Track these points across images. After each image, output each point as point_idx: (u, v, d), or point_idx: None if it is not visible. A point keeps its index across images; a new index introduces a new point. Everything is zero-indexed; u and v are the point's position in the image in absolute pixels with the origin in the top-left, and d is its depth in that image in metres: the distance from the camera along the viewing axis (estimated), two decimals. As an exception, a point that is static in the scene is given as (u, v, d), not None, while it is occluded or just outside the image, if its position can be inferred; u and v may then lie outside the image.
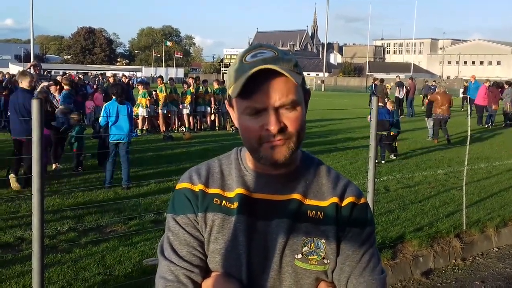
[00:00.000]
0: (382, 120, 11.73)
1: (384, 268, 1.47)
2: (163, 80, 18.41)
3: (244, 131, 1.37)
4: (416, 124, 20.86)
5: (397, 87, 26.06)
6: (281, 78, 1.30)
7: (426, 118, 17.37)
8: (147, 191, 8.69)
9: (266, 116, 1.32)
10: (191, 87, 18.18)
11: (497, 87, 22.50)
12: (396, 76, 29.08)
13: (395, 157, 12.86)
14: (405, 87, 26.09)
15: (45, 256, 4.22)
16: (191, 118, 18.33)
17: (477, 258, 6.61)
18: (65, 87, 12.62)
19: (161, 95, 17.51)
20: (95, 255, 5.65)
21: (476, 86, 23.87)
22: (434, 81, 37.04)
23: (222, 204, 1.43)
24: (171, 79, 20.46)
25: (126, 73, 41.21)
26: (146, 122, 17.55)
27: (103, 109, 9.25)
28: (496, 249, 6.91)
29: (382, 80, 26.63)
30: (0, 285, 4.87)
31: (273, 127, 1.32)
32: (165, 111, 17.54)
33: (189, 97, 17.95)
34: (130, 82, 22.27)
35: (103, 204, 7.68)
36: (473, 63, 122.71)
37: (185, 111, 17.99)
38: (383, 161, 12.14)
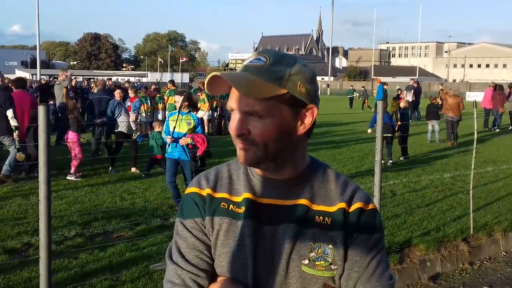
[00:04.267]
0: (385, 123, 11.78)
1: (393, 274, 1.46)
2: (173, 84, 18.40)
3: None
4: (422, 128, 20.78)
5: (405, 91, 26.03)
6: None
7: (427, 121, 17.49)
8: (153, 196, 8.69)
9: (234, 118, 1.37)
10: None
11: (501, 89, 22.41)
12: (411, 79, 29.06)
13: (403, 159, 12.89)
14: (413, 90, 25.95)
15: (52, 262, 4.22)
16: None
17: (485, 262, 6.57)
18: (132, 95, 12.75)
19: (171, 99, 17.42)
20: (102, 260, 5.65)
21: (380, 89, 24.44)
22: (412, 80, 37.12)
23: (229, 208, 1.44)
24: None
25: (132, 79, 41.29)
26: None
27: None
28: (504, 253, 6.87)
29: (385, 84, 26.79)
30: (7, 291, 4.89)
31: (232, 132, 1.37)
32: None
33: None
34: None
35: (110, 210, 7.69)
36: (479, 66, 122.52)
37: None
38: (390, 161, 12.25)
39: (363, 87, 40.52)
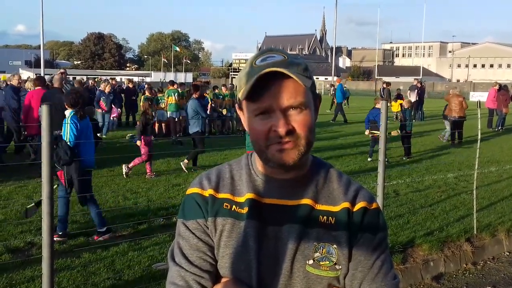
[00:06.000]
0: (376, 120, 11.98)
1: (397, 273, 1.46)
2: (173, 84, 18.39)
3: (253, 133, 1.38)
4: (425, 128, 20.77)
5: (409, 91, 26.03)
6: (290, 80, 1.31)
7: (443, 120, 17.58)
8: (156, 196, 8.70)
9: (274, 118, 1.33)
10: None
11: (505, 90, 22.37)
12: (414, 79, 29.09)
13: (408, 159, 12.92)
14: (417, 90, 25.87)
15: (54, 261, 4.23)
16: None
17: (488, 262, 6.56)
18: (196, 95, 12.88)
19: (170, 99, 17.42)
20: (105, 260, 5.66)
21: (339, 89, 24.69)
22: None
23: (232, 209, 1.43)
24: (182, 83, 20.38)
25: (135, 78, 41.36)
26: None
27: (70, 121, 6.51)
28: (507, 253, 6.85)
29: (388, 84, 27.05)
30: (10, 290, 4.89)
31: (281, 129, 1.32)
32: (174, 116, 17.46)
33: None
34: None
35: (113, 209, 7.70)
36: (483, 66, 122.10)
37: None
38: (369, 159, 12.51)
39: (332, 85, 40.50)
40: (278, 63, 1.33)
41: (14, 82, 12.52)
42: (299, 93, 1.33)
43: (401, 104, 16.58)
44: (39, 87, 11.24)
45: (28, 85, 12.34)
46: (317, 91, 1.46)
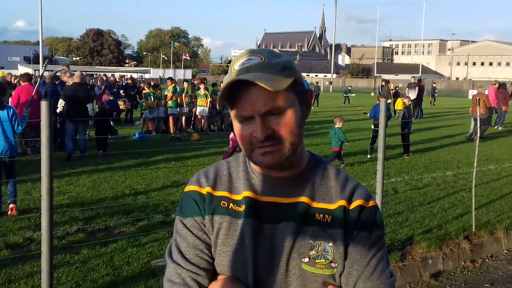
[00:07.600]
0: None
1: (394, 272, 1.46)
2: (172, 81, 18.37)
3: (238, 138, 1.39)
4: (424, 125, 20.78)
5: (408, 88, 26.03)
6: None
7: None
8: (155, 192, 8.70)
9: (254, 123, 1.33)
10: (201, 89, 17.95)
11: (504, 88, 22.39)
12: (412, 77, 29.11)
13: (407, 156, 12.94)
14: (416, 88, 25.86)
15: (54, 257, 4.23)
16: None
17: (487, 260, 6.57)
18: None
19: (170, 96, 17.40)
20: (104, 256, 5.66)
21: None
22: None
23: (229, 207, 1.43)
24: (185, 80, 20.34)
25: (134, 75, 41.31)
26: (150, 124, 17.57)
27: None
28: (506, 251, 6.86)
29: (387, 82, 27.08)
30: (9, 286, 4.89)
31: (260, 134, 1.32)
32: (174, 113, 17.45)
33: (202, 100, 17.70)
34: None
35: (112, 206, 7.70)
36: (482, 64, 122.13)
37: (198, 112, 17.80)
38: (368, 156, 12.64)
39: (316, 82, 40.73)
40: (253, 66, 1.32)
41: (65, 78, 13.23)
42: (276, 96, 1.31)
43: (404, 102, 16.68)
44: (27, 83, 11.78)
45: (69, 80, 12.48)
46: (309, 87, 1.45)
